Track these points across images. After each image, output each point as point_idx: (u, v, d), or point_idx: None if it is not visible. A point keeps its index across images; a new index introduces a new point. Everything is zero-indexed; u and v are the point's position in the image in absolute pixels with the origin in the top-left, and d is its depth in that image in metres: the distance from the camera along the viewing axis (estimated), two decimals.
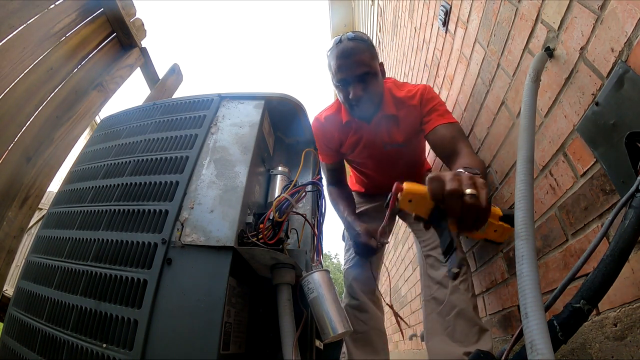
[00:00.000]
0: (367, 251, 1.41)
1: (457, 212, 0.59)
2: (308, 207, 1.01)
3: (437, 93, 1.95)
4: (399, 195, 0.63)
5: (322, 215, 1.00)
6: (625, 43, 0.71)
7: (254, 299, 0.81)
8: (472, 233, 0.65)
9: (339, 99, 1.46)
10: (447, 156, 1.33)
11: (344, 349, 1.47)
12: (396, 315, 1.43)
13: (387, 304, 1.51)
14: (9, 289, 2.43)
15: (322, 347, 1.00)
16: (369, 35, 1.50)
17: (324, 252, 1.12)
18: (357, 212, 1.75)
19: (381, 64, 1.45)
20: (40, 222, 1.23)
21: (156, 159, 0.83)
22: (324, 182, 1.72)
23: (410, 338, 2.91)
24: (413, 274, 2.93)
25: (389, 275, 3.95)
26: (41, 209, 2.24)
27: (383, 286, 4.50)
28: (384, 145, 1.53)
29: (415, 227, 1.61)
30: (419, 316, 2.70)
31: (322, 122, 1.56)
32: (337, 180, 1.71)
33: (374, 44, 1.51)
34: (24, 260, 0.97)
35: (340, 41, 1.37)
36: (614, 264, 0.57)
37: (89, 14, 1.61)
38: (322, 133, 1.55)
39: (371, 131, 1.51)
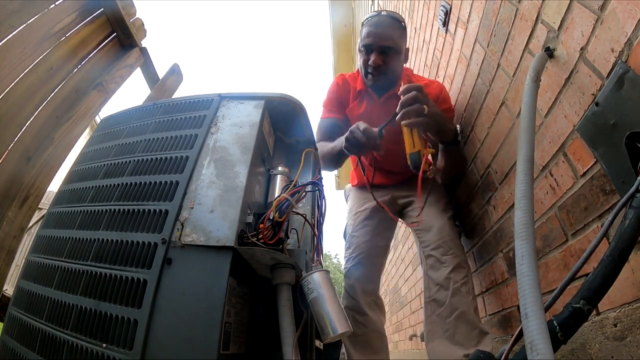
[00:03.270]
0: (363, 143, 1.28)
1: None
2: (308, 207, 1.01)
3: None
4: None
5: (322, 215, 1.00)
6: (625, 43, 0.71)
7: (254, 299, 0.81)
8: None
9: (359, 63, 1.55)
10: None
11: (342, 349, 1.45)
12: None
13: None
14: (9, 289, 2.43)
15: (322, 347, 1.00)
16: (409, 51, 1.68)
17: (324, 252, 1.12)
18: (358, 210, 1.72)
19: (407, 49, 1.55)
20: (40, 222, 1.23)
21: (156, 158, 0.83)
22: (318, 140, 1.64)
23: (410, 338, 2.91)
24: (413, 274, 2.92)
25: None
26: (41, 208, 2.23)
27: (382, 287, 4.48)
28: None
29: (415, 227, 1.60)
30: (419, 316, 2.70)
31: (345, 79, 1.67)
32: (330, 138, 1.62)
33: None
34: (24, 260, 0.97)
35: (379, 14, 1.49)
36: (614, 265, 0.57)
37: (89, 14, 1.61)
38: (343, 85, 1.66)
39: (380, 107, 1.56)
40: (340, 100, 1.66)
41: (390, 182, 1.74)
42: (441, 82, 1.89)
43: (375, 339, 1.47)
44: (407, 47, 1.56)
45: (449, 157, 1.47)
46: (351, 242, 1.66)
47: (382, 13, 1.49)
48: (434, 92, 1.51)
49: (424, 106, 1.18)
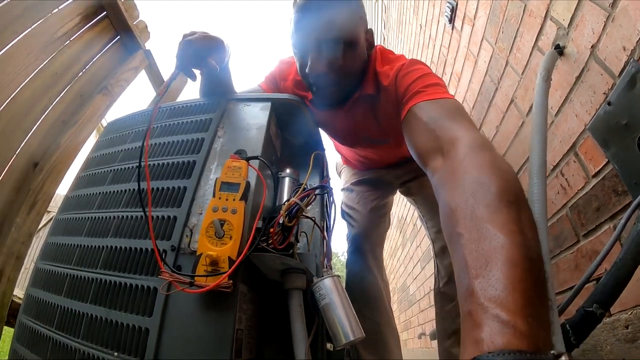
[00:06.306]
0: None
1: None
2: (317, 209, 1.00)
3: None
4: None
5: (329, 217, 0.99)
6: (637, 41, 0.70)
7: (264, 304, 0.81)
8: None
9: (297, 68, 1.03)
10: (424, 164, 0.76)
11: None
12: None
13: None
14: (19, 292, 2.46)
15: (333, 351, 1.00)
16: (373, 33, 1.06)
17: (332, 252, 1.11)
18: (353, 181, 1.54)
19: (369, 32, 1.02)
20: (48, 225, 1.24)
21: (163, 164, 0.83)
22: None
23: (419, 337, 2.90)
24: (422, 273, 2.92)
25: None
26: (50, 211, 2.25)
27: (390, 285, 4.47)
28: (363, 139, 1.19)
29: (421, 208, 1.43)
30: (427, 314, 2.69)
31: (295, 74, 1.12)
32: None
33: (379, 40, 1.45)
34: (32, 265, 0.97)
35: None
36: (627, 268, 0.57)
37: (92, 18, 1.61)
38: (284, 71, 1.18)
39: (346, 117, 1.11)
40: (276, 82, 1.19)
41: (380, 166, 1.50)
42: (448, 79, 1.87)
43: (390, 336, 1.31)
44: (369, 28, 1.02)
45: None
46: (350, 217, 1.50)
47: None
48: (391, 76, 0.97)
49: None
